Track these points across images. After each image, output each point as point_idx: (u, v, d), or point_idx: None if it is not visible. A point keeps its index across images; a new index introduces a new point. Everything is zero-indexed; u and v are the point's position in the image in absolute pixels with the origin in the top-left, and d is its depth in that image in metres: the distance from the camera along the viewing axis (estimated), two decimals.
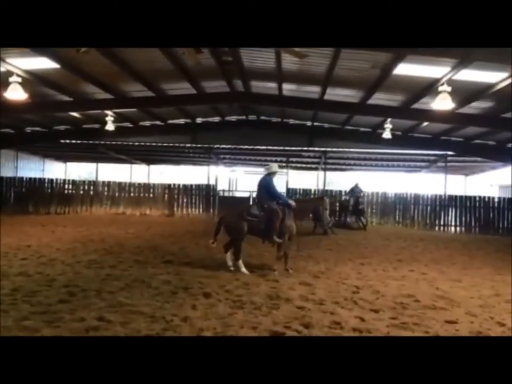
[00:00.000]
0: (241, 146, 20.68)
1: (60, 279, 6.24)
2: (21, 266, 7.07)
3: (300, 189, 20.79)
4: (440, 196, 19.79)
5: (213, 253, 9.26)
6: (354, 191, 17.63)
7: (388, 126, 14.88)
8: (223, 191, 22.33)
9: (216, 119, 18.73)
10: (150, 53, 10.07)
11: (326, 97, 13.20)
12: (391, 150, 19.13)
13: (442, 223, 19.52)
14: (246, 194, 20.88)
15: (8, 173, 21.93)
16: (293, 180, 23.41)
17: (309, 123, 18.23)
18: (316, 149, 20.11)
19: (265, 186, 7.71)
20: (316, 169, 24.65)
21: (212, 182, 21.25)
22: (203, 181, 21.92)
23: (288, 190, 20.58)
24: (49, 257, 8.00)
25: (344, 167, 24.54)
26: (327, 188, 21.77)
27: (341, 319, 4.74)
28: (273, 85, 13.05)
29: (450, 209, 19.44)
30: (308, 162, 24.17)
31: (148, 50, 9.75)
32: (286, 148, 20.53)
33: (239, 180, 28.57)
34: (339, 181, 27.30)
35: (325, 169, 22.12)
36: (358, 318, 4.82)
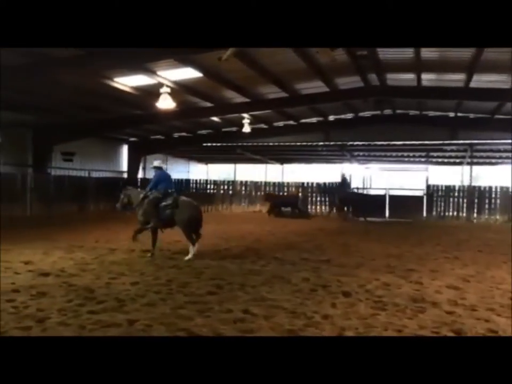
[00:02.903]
0: (376, 143, 20.02)
1: (207, 272, 6.73)
2: (173, 259, 7.78)
3: (441, 186, 19.33)
4: None
5: (349, 252, 9.15)
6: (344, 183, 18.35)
7: None
8: (358, 188, 21.85)
9: (349, 115, 18.41)
10: (284, 54, 10.30)
11: (472, 84, 12.08)
12: None
13: None
14: (381, 192, 20.13)
15: None
16: (434, 175, 21.90)
17: (451, 114, 16.87)
18: (461, 141, 18.53)
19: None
20: (460, 163, 22.73)
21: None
22: (336, 179, 21.72)
23: (428, 186, 19.32)
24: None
25: (494, 160, 22.20)
26: (474, 183, 19.94)
27: (497, 327, 4.29)
28: (411, 76, 12.37)
29: None
30: (450, 157, 22.42)
31: (282, 51, 9.98)
32: (426, 142, 19.29)
33: (373, 177, 27.71)
34: (488, 176, 24.78)
35: (471, 164, 20.27)
36: None
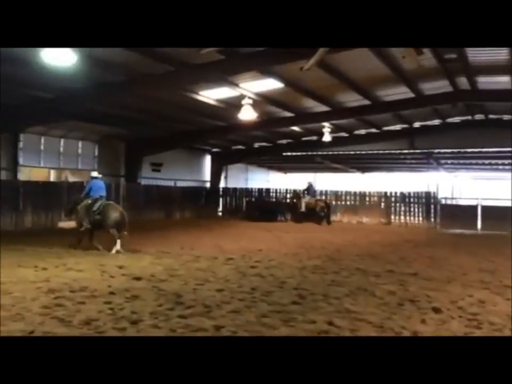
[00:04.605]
0: (466, 150, 18.89)
1: (289, 281, 6.72)
2: (255, 268, 7.89)
3: None
4: None
5: (438, 265, 8.69)
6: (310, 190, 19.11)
7: None
8: (446, 198, 20.69)
9: (436, 122, 17.61)
10: (365, 60, 10.11)
11: None
12: None
13: None
14: (473, 202, 18.87)
15: (241, 184, 24.97)
16: None
17: None
18: None
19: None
20: None
21: (432, 189, 19.94)
22: (421, 188, 20.77)
23: None
24: (278, 260, 8.72)
25: None
26: None
27: None
28: (504, 78, 11.58)
29: None
30: None
31: (364, 57, 9.80)
32: None
33: (464, 186, 26.10)
34: None
35: None
36: None
